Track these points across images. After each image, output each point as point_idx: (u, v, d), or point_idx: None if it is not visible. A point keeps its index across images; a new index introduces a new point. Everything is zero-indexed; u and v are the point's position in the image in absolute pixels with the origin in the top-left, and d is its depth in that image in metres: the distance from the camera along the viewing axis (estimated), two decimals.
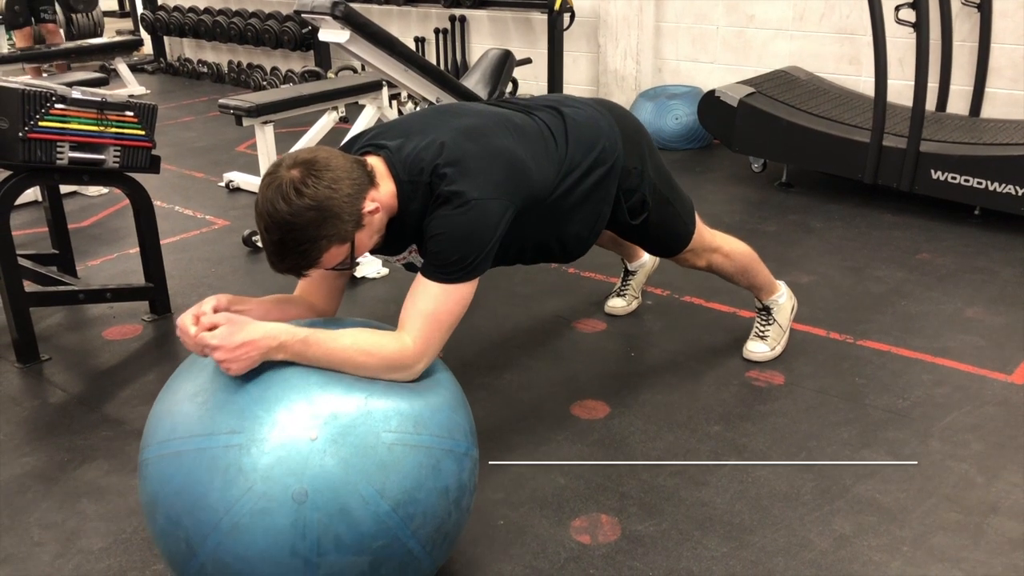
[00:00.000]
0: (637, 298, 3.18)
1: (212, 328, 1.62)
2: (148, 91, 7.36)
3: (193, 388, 1.67)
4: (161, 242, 3.23)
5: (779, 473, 2.25)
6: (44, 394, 2.73)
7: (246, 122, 4.26)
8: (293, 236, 1.67)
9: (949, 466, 2.26)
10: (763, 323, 2.83)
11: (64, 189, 4.37)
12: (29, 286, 3.09)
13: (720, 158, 4.99)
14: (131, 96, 7.11)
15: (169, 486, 1.60)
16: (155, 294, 3.17)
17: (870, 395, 2.59)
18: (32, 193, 4.15)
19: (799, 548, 1.99)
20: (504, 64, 4.28)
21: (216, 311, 1.70)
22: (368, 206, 1.75)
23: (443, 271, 1.83)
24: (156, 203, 3.18)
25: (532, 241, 2.17)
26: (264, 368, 1.64)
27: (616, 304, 3.16)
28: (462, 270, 1.84)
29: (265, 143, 4.32)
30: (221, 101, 4.30)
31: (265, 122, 4.29)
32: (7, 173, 2.82)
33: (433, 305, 1.82)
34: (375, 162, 1.85)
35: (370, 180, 1.78)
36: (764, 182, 4.54)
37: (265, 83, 7.16)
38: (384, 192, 1.82)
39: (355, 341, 1.68)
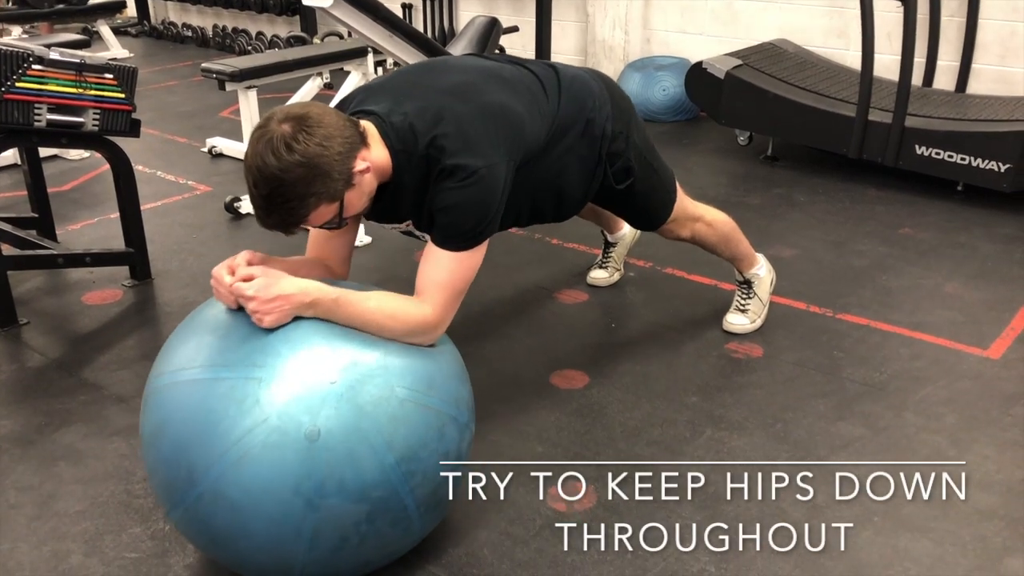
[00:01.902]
0: (619, 270, 3.18)
1: (248, 280, 1.66)
2: (131, 54, 7.26)
3: (215, 322, 1.72)
4: (143, 207, 3.21)
5: (754, 444, 2.27)
6: (22, 358, 2.72)
7: (229, 87, 4.21)
8: (281, 192, 1.66)
9: (922, 438, 2.29)
10: (743, 296, 2.83)
11: (44, 153, 4.34)
12: (7, 249, 3.07)
13: (707, 131, 4.98)
14: (113, 59, 7.01)
15: (181, 412, 1.63)
16: (135, 259, 3.15)
17: (847, 368, 2.61)
18: (12, 156, 4.10)
19: (772, 517, 2.01)
20: (491, 32, 4.25)
21: (250, 264, 1.73)
22: (359, 165, 1.74)
23: (455, 240, 1.85)
24: (138, 168, 3.16)
25: (528, 199, 2.16)
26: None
27: (598, 275, 3.16)
28: (472, 239, 1.86)
29: (248, 108, 4.28)
30: (204, 65, 4.25)
31: (249, 87, 4.24)
32: None
33: (447, 274, 1.85)
34: (367, 125, 1.84)
35: (362, 140, 1.77)
36: (750, 155, 4.54)
37: (250, 48, 7.08)
38: (376, 154, 1.81)
39: (381, 304, 1.73)
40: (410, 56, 3.89)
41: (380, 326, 1.72)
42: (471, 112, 1.87)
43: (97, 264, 3.05)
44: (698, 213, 2.59)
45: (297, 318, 1.67)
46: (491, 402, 2.45)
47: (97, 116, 2.92)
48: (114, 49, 7.08)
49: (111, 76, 2.91)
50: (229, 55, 7.15)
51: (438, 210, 1.84)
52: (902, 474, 2.14)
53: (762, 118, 4.33)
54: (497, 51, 5.89)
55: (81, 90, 2.85)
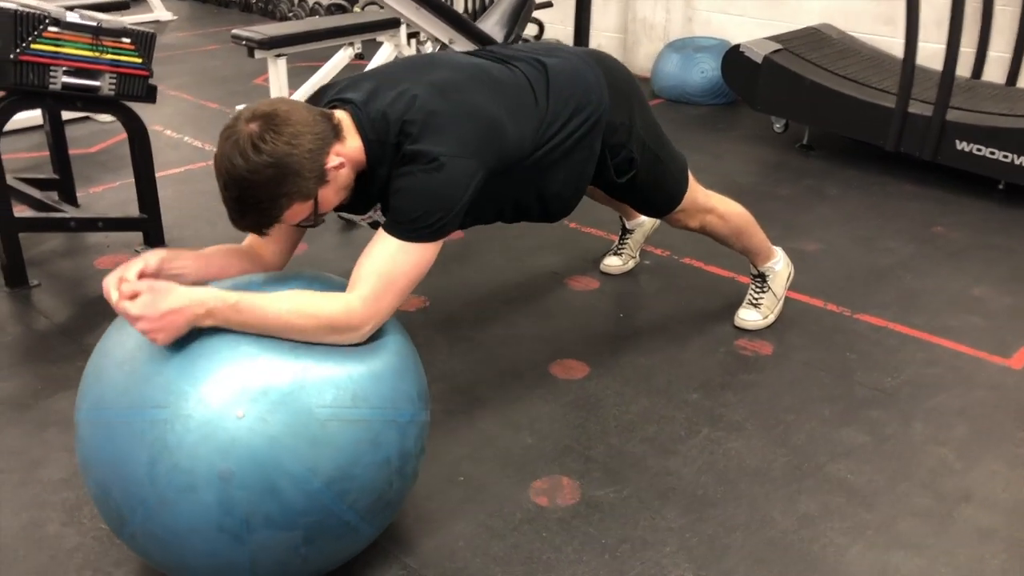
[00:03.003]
0: (634, 257, 3.11)
1: (134, 296, 1.52)
2: (175, 17, 7.29)
3: (121, 354, 1.59)
4: (166, 173, 3.21)
5: (752, 446, 2.20)
6: (28, 320, 2.74)
7: (258, 54, 4.19)
8: (252, 194, 1.61)
9: (929, 450, 2.20)
10: (757, 290, 2.75)
11: (76, 114, 4.38)
12: (23, 210, 3.10)
13: (743, 116, 4.84)
14: (151, 22, 7.05)
15: (100, 455, 1.57)
16: (148, 226, 3.15)
17: (859, 371, 2.52)
18: (39, 116, 4.12)
19: (760, 525, 1.94)
20: (523, 6, 4.17)
21: (143, 275, 1.62)
22: (332, 161, 1.69)
23: (404, 228, 1.75)
24: (166, 133, 3.14)
25: (511, 201, 2.10)
26: (193, 335, 1.55)
27: (612, 263, 3.09)
28: (424, 229, 1.76)
29: (277, 77, 4.25)
30: (234, 32, 4.23)
31: (278, 55, 4.21)
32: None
33: (389, 264, 1.73)
34: (342, 116, 1.78)
35: (335, 134, 1.71)
36: (785, 143, 4.41)
37: (291, 14, 7.07)
38: (350, 147, 1.75)
39: (293, 304, 1.58)
40: (437, 29, 3.83)
41: (294, 328, 1.57)
42: (448, 108, 1.80)
43: (109, 229, 3.06)
44: (710, 204, 2.50)
45: (202, 333, 1.55)
46: (485, 389, 2.41)
47: (113, 80, 2.90)
48: (158, 11, 7.11)
49: (129, 40, 2.90)
50: (269, 21, 7.15)
51: (393, 192, 1.76)
52: (902, 486, 2.07)
53: (798, 105, 4.19)
54: (538, 27, 5.81)
55: (98, 54, 2.84)
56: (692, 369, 2.53)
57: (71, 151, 3.44)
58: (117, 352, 1.61)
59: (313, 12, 6.95)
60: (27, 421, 2.26)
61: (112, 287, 1.57)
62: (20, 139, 4.17)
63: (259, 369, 1.53)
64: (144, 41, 2.95)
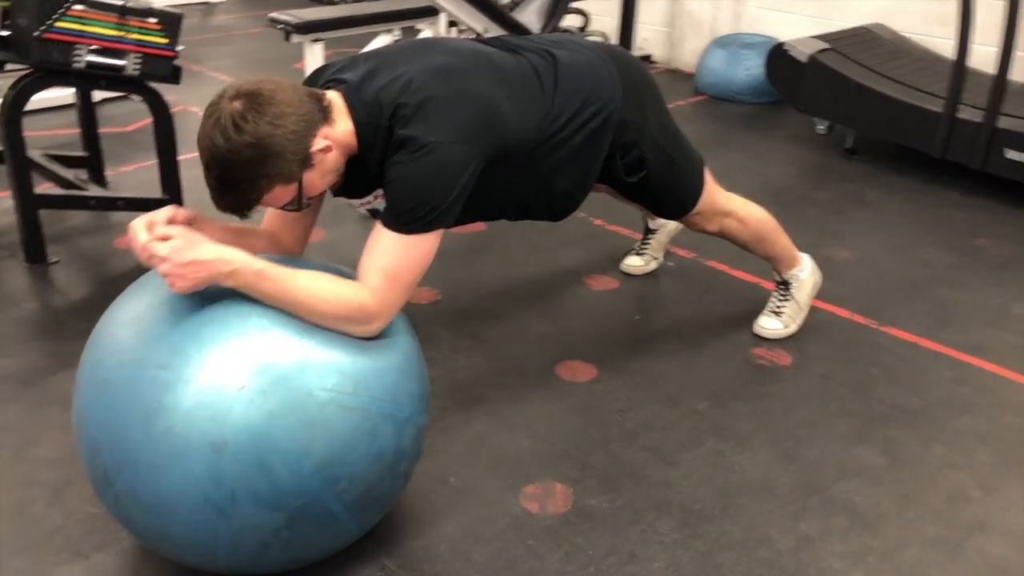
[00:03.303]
0: (656, 258, 3.02)
1: (164, 240, 1.53)
2: None
3: (131, 314, 1.61)
4: (193, 155, 3.19)
5: (757, 461, 2.11)
6: (43, 296, 2.76)
7: (294, 39, 4.19)
8: (232, 174, 1.58)
9: (946, 474, 2.09)
10: (780, 298, 2.65)
11: (114, 93, 4.41)
12: (49, 187, 3.12)
13: (787, 116, 4.70)
14: (206, 2, 7.09)
15: (93, 413, 1.56)
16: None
17: (880, 387, 2.41)
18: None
19: (756, 544, 1.86)
20: None
21: (172, 222, 1.63)
22: (318, 144, 1.64)
23: (400, 220, 1.71)
24: (200, 114, 3.10)
25: (514, 196, 2.04)
26: (206, 301, 1.55)
27: (633, 263, 3.01)
28: (421, 220, 1.71)
29: (314, 62, 4.24)
30: (271, 15, 4.23)
31: (315, 40, 4.20)
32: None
33: (391, 260, 1.70)
34: (334, 97, 1.74)
35: (324, 116, 1.67)
36: (828, 146, 4.27)
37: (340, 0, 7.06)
38: (340, 130, 1.71)
39: (312, 284, 1.58)
40: (471, 18, 3.78)
41: (309, 309, 1.57)
42: (444, 92, 1.74)
43: (129, 209, 3.06)
44: (729, 208, 2.41)
45: (215, 299, 1.55)
46: (486, 388, 2.36)
47: (138, 60, 2.90)
48: None
49: (155, 21, 2.89)
50: (322, 5, 7.15)
51: (387, 183, 1.72)
52: (912, 511, 1.97)
53: (842, 107, 4.05)
54: (583, 17, 5.72)
55: (123, 33, 2.84)
56: (704, 377, 2.44)
57: (107, 129, 3.46)
58: (125, 314, 1.62)
59: None
60: (27, 398, 2.26)
61: (141, 228, 1.56)
62: (58, 116, 4.21)
63: (267, 343, 1.52)
64: (171, 21, 2.94)
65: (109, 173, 3.58)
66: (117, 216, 3.27)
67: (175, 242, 1.52)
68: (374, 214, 1.98)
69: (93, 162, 3.46)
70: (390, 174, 1.72)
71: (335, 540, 1.68)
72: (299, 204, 1.70)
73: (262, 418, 1.47)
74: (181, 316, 1.55)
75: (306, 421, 1.50)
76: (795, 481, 2.05)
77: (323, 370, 1.54)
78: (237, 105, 1.56)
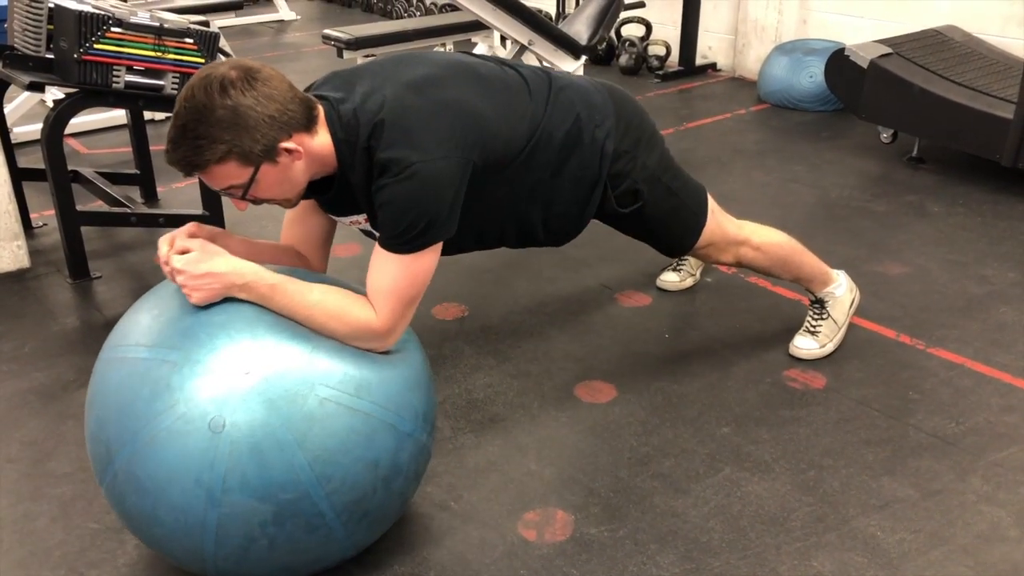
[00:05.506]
0: (693, 275, 2.92)
1: (184, 253, 1.61)
2: (298, 17, 7.48)
3: (156, 304, 1.70)
4: None
5: (774, 491, 2.01)
6: (81, 312, 2.83)
7: (347, 55, 4.23)
8: (197, 127, 1.55)
9: (981, 510, 1.94)
10: (815, 317, 2.52)
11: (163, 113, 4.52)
12: (98, 205, 3.22)
13: (851, 124, 4.51)
14: (280, 20, 7.25)
15: (105, 388, 1.64)
16: (209, 223, 3.19)
17: (919, 413, 2.26)
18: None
19: None
20: (611, 7, 4.02)
21: (193, 237, 1.69)
22: (288, 144, 1.62)
23: (395, 242, 1.70)
24: None
25: (513, 218, 2.01)
26: (227, 300, 1.62)
27: (669, 279, 2.92)
28: (414, 240, 1.70)
29: None
30: (324, 32, 4.29)
31: (367, 56, 4.23)
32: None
33: (391, 281, 1.71)
34: (322, 112, 1.73)
35: (308, 123, 1.66)
36: (891, 155, 4.07)
37: (407, 14, 7.13)
38: (319, 142, 1.69)
39: (324, 300, 1.63)
40: (515, 31, 3.74)
41: (320, 324, 1.63)
42: (420, 105, 1.71)
43: (170, 225, 3.12)
44: (742, 236, 2.31)
45: (235, 302, 1.61)
46: (502, 408, 2.31)
47: (176, 80, 2.96)
48: (283, 11, 7.33)
49: (191, 41, 2.94)
50: (387, 20, 7.23)
51: (377, 207, 1.70)
52: (939, 550, 1.83)
53: (906, 114, 3.86)
54: (644, 27, 5.62)
55: (160, 54, 2.90)
56: (729, 400, 2.34)
57: (161, 147, 3.54)
58: (153, 302, 1.70)
59: (428, 12, 6.99)
60: (49, 413, 2.32)
61: (164, 243, 1.67)
62: (113, 136, 4.34)
63: (275, 336, 1.58)
64: (207, 41, 2.99)
65: (161, 190, 3.67)
66: (162, 232, 3.34)
67: (192, 255, 1.60)
68: (368, 235, 1.96)
69: (145, 179, 3.55)
70: (379, 199, 1.70)
71: (322, 549, 1.65)
72: (243, 194, 1.65)
73: (262, 404, 1.52)
74: (199, 308, 1.61)
75: (305, 413, 1.54)
76: (812, 513, 1.94)
77: (329, 368, 1.59)
78: (232, 73, 1.57)
